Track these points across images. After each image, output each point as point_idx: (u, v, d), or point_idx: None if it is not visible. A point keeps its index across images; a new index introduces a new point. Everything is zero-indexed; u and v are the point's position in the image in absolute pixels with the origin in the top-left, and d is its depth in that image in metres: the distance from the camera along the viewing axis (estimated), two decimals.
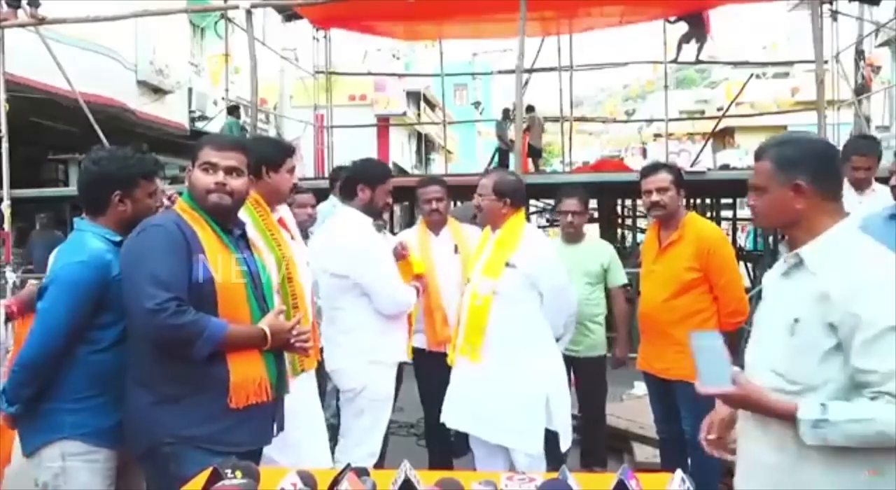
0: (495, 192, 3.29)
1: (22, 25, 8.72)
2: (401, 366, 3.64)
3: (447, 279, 3.88)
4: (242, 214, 2.61)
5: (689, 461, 3.57)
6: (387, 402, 3.49)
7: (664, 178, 3.45)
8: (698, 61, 13.88)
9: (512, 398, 3.15)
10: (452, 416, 3.36)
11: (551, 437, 3.20)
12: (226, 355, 2.18)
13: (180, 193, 2.44)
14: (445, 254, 3.98)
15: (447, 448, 3.80)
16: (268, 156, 2.83)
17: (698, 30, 12.04)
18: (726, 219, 15.54)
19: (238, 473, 1.69)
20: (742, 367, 1.92)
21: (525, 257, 3.20)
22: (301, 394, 2.73)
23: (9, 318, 2.84)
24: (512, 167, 9.29)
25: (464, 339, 3.29)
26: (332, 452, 3.26)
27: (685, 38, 12.26)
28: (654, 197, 3.45)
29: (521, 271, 3.18)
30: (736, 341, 3.58)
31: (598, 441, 4.40)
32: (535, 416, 3.15)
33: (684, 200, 3.52)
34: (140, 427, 2.20)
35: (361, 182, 3.48)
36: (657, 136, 29.54)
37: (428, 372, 3.92)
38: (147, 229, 2.21)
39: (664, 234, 3.54)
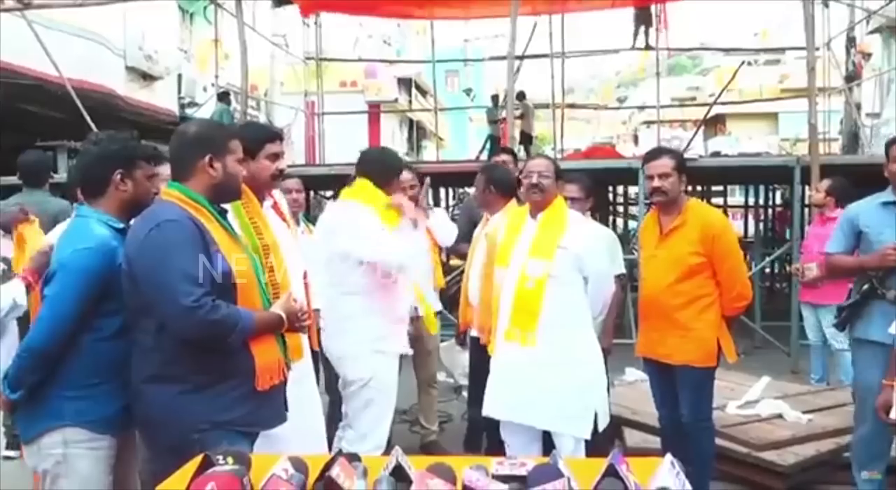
0: (556, 174, 3.34)
1: (8, 10, 8.63)
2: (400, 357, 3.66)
3: (477, 264, 4.03)
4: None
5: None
6: (392, 392, 3.48)
7: (666, 163, 3.45)
8: (689, 48, 14.02)
9: (565, 382, 3.13)
10: (498, 407, 3.29)
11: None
12: (248, 341, 2.24)
13: None
14: (481, 239, 4.09)
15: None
16: (243, 142, 2.72)
17: (645, 17, 12.39)
18: (717, 206, 15.59)
19: (230, 459, 1.69)
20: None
21: (575, 239, 3.21)
22: (298, 380, 2.71)
23: (28, 289, 2.82)
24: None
25: (511, 323, 3.22)
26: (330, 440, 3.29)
27: (636, 23, 12.56)
28: (656, 182, 3.44)
29: (572, 252, 3.19)
30: (734, 325, 3.61)
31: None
32: (586, 400, 3.17)
33: (683, 185, 3.50)
34: (169, 418, 2.20)
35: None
36: (650, 123, 29.56)
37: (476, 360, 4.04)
38: (162, 225, 2.17)
39: (665, 219, 3.53)
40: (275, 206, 2.98)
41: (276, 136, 2.95)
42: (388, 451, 3.47)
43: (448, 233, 4.55)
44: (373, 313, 3.39)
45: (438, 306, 4.47)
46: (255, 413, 2.29)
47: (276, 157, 2.87)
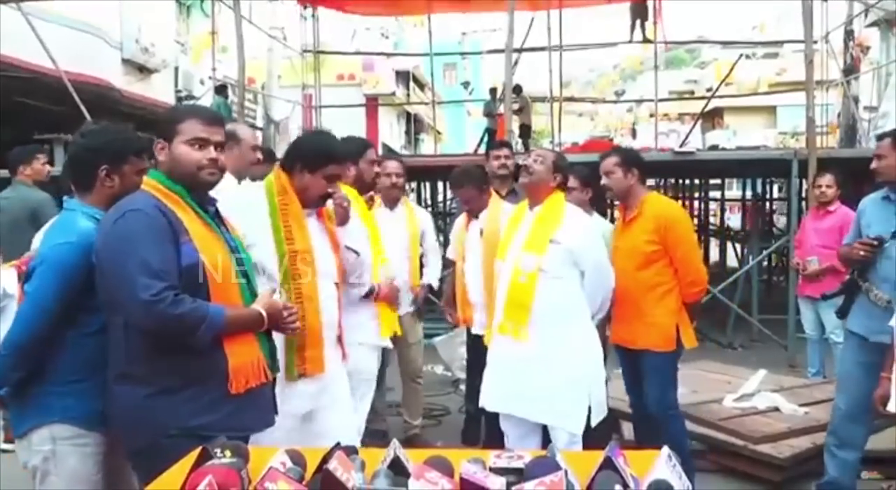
0: (554, 165, 3.35)
1: (4, 2, 8.59)
2: (385, 349, 3.76)
3: (473, 261, 4.18)
4: (260, 198, 2.62)
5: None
6: (372, 381, 3.56)
7: (609, 161, 3.69)
8: (687, 42, 14.06)
9: (558, 376, 3.16)
10: (492, 398, 3.35)
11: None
12: (222, 340, 2.13)
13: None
14: (475, 236, 4.22)
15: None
16: (306, 155, 2.76)
17: (641, 10, 12.43)
18: (714, 199, 15.59)
19: (227, 453, 1.69)
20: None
21: (569, 233, 3.23)
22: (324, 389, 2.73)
23: (20, 277, 2.79)
24: None
25: (505, 316, 3.27)
26: None
27: (632, 17, 12.60)
28: (603, 180, 3.70)
29: (565, 247, 3.20)
30: (698, 312, 3.72)
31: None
32: (579, 395, 3.19)
33: (635, 179, 3.66)
34: (137, 422, 2.13)
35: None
36: (651, 115, 29.48)
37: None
38: (126, 214, 2.08)
39: (627, 212, 3.72)
40: (319, 212, 2.93)
41: (344, 158, 2.89)
42: (386, 444, 3.50)
43: (433, 270, 4.63)
44: (361, 305, 3.46)
45: (410, 308, 4.44)
46: (232, 417, 2.15)
47: (335, 179, 2.83)
